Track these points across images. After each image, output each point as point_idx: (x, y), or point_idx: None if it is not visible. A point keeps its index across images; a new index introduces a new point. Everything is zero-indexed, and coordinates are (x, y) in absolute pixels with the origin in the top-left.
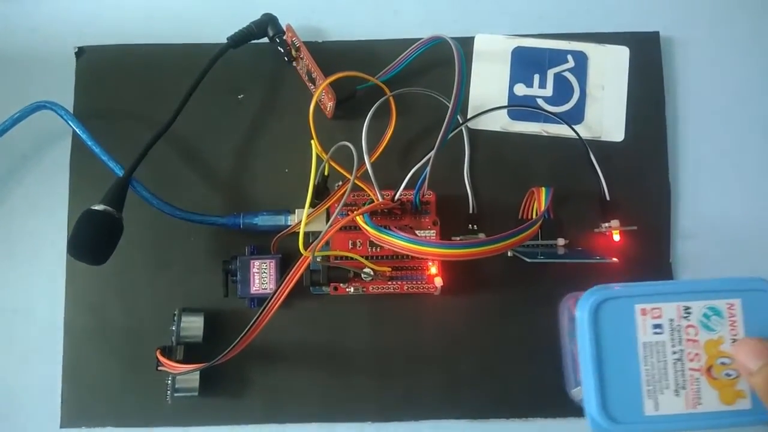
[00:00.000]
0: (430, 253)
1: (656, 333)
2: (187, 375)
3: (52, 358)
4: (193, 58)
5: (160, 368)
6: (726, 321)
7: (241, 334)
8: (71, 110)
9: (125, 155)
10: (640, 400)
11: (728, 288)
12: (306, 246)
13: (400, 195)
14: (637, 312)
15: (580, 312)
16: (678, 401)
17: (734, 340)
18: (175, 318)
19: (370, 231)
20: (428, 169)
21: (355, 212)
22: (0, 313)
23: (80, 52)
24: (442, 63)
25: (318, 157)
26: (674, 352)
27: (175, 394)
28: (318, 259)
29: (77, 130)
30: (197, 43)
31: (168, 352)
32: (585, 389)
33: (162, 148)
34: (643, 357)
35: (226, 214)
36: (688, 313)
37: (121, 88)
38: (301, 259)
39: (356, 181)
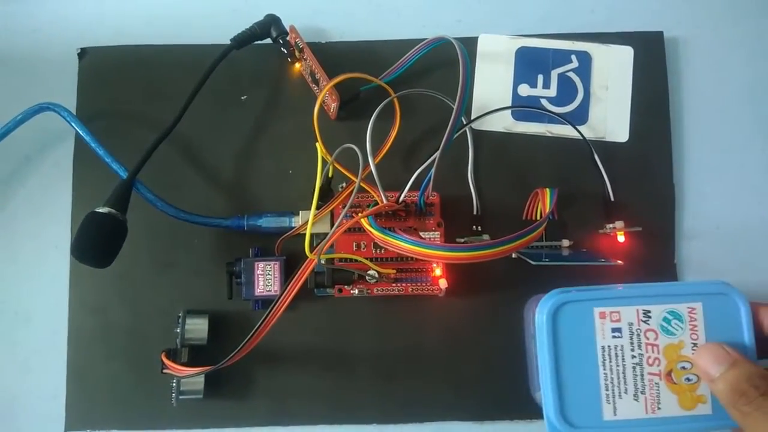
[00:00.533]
0: (435, 256)
1: (615, 337)
2: (192, 378)
3: (56, 360)
4: (196, 59)
5: (165, 371)
6: (687, 325)
7: (247, 337)
8: (74, 112)
9: (128, 157)
10: (599, 405)
11: (690, 292)
12: (311, 248)
13: (405, 197)
14: (596, 315)
15: (539, 315)
16: (637, 406)
17: (695, 345)
18: (180, 320)
19: (375, 233)
20: (433, 170)
21: (360, 214)
22: (3, 316)
23: (83, 54)
24: (446, 64)
25: (323, 159)
26: (633, 356)
27: (180, 397)
28: (322, 262)
29: (80, 132)
30: (200, 44)
31: (173, 355)
32: (543, 393)
33: (165, 149)
34: (601, 361)
35: (230, 215)
36: (648, 317)
37: (123, 89)
38: (306, 262)
39: (361, 183)
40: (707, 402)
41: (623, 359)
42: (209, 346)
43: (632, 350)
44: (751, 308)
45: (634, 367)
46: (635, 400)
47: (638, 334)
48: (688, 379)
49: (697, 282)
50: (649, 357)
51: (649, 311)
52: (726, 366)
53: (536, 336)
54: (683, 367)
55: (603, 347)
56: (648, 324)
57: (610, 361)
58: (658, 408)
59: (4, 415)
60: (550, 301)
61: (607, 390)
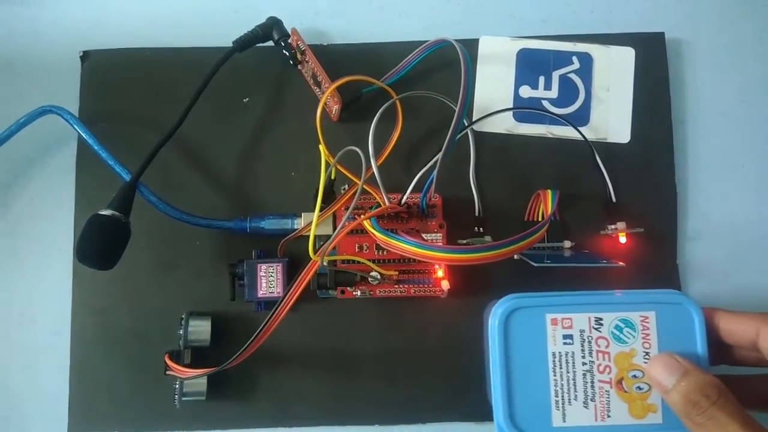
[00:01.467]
0: (438, 258)
1: (566, 343)
2: (194, 379)
3: (59, 362)
4: (199, 62)
5: (168, 373)
6: (639, 333)
7: (251, 339)
8: (76, 114)
9: (131, 159)
10: (548, 411)
11: (643, 301)
12: (314, 250)
13: (407, 198)
14: (548, 322)
15: (492, 320)
16: (587, 413)
17: (647, 353)
18: (183, 322)
19: (378, 235)
20: (435, 172)
21: (362, 216)
22: (7, 318)
23: (85, 56)
24: (447, 65)
25: (325, 161)
26: (584, 363)
27: (183, 398)
28: (325, 263)
29: (84, 135)
30: (202, 47)
31: (176, 356)
32: (494, 398)
33: (168, 151)
34: (552, 367)
35: (233, 217)
36: (600, 324)
37: (126, 91)
38: (310, 264)
39: (363, 185)
40: (658, 411)
41: (574, 366)
42: (212, 348)
43: (583, 357)
44: (706, 314)
45: (584, 374)
46: (585, 407)
47: (589, 341)
48: (639, 388)
49: (651, 291)
50: (599, 364)
51: (601, 319)
52: (678, 376)
53: (488, 341)
54: (634, 376)
55: (554, 353)
56: (600, 331)
57: (561, 368)
58: (608, 416)
59: (8, 417)
60: (503, 306)
61: (557, 396)
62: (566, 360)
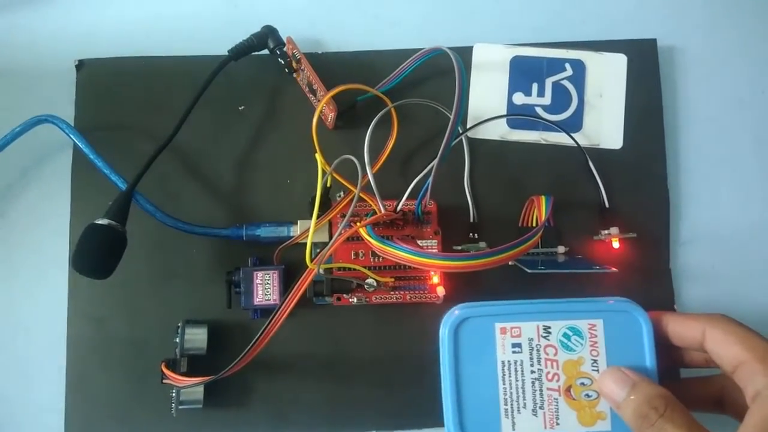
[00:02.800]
0: (433, 265)
1: (515, 352)
2: (191, 387)
3: (55, 371)
4: (194, 71)
5: (165, 381)
6: (587, 341)
7: (248, 347)
8: (72, 123)
9: (127, 168)
10: (498, 420)
11: (591, 309)
12: (311, 258)
13: (403, 205)
14: (497, 330)
15: (442, 329)
16: (536, 421)
17: (595, 361)
18: (179, 330)
19: (374, 243)
20: (430, 179)
21: (358, 224)
22: (2, 327)
23: (81, 65)
24: (441, 73)
25: (322, 169)
26: (533, 372)
27: (180, 407)
28: (321, 271)
29: (80, 144)
30: (198, 56)
31: (172, 365)
32: (444, 406)
33: (163, 160)
34: (501, 376)
35: (229, 225)
36: (548, 332)
37: (121, 100)
38: (306, 272)
39: (359, 193)
40: (607, 419)
41: (523, 374)
42: (208, 356)
43: (532, 366)
44: (655, 317)
45: (533, 383)
46: (534, 415)
47: (538, 350)
48: (588, 396)
49: (599, 299)
50: (548, 372)
51: (549, 327)
52: (627, 390)
53: (440, 350)
54: (582, 383)
55: (503, 362)
56: (548, 340)
57: (510, 376)
58: (557, 424)
59: (4, 427)
60: (453, 316)
61: (506, 405)
62: (515, 368)
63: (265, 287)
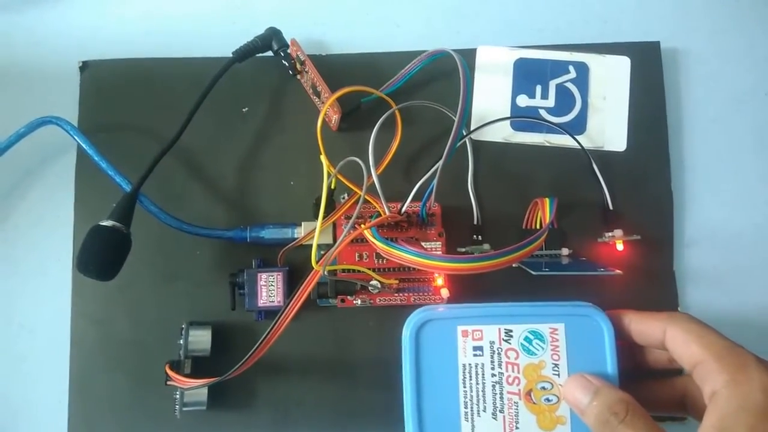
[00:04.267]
0: (438, 267)
1: (476, 355)
2: (195, 389)
3: (58, 373)
4: (198, 72)
5: (169, 383)
6: (548, 345)
7: (253, 349)
8: (75, 125)
9: (130, 169)
10: (458, 423)
11: (553, 313)
12: (317, 260)
13: (407, 207)
14: (459, 333)
15: (404, 331)
16: (495, 425)
17: (556, 365)
18: (183, 332)
19: (378, 245)
20: (435, 181)
21: (363, 226)
22: (6, 328)
23: (84, 67)
24: (445, 75)
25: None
26: (493, 375)
27: (184, 408)
28: (325, 273)
29: (84, 146)
30: (202, 57)
31: (176, 366)
32: (405, 409)
33: (167, 161)
34: (462, 379)
35: (233, 227)
36: (510, 336)
37: (125, 102)
38: (312, 274)
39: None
40: (566, 423)
41: (483, 378)
42: (212, 358)
43: (492, 369)
44: (617, 317)
45: (493, 386)
46: (494, 419)
47: (499, 353)
48: (548, 400)
49: (561, 303)
50: (509, 376)
51: (511, 330)
52: (590, 396)
53: (402, 352)
54: (543, 387)
55: (464, 365)
56: (509, 343)
57: (471, 380)
58: (516, 428)
59: (7, 427)
60: (415, 318)
61: (466, 408)
62: (476, 372)
63: (269, 289)
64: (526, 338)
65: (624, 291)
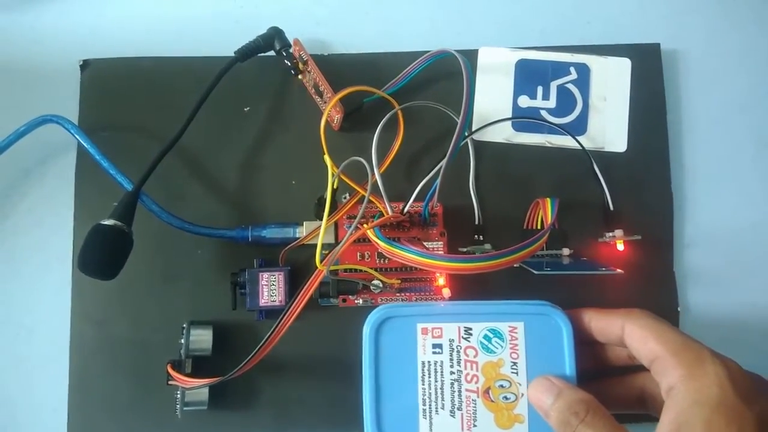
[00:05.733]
0: (442, 267)
1: (435, 353)
2: (196, 388)
3: (58, 373)
4: (200, 71)
5: (170, 383)
6: (507, 344)
7: (256, 348)
8: (76, 123)
9: (130, 168)
10: (416, 420)
11: (512, 311)
12: (321, 260)
13: (409, 207)
14: (419, 331)
15: (364, 328)
16: (453, 423)
17: (514, 364)
18: (184, 331)
19: (381, 244)
20: (438, 181)
21: (366, 226)
22: (5, 328)
23: (85, 65)
24: (447, 76)
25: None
26: (452, 373)
27: (185, 408)
28: (327, 273)
29: (85, 145)
30: (203, 56)
31: (177, 366)
32: (363, 406)
33: (168, 160)
34: (421, 376)
35: (234, 226)
36: (469, 334)
37: (126, 101)
38: (315, 273)
39: (368, 196)
40: (524, 422)
41: (442, 375)
42: (213, 357)
43: (451, 367)
44: (577, 315)
45: (452, 384)
46: (452, 416)
47: (458, 351)
48: (506, 398)
49: (521, 302)
50: (467, 374)
51: (470, 328)
52: (553, 398)
53: (362, 349)
54: (501, 386)
55: (423, 363)
56: (469, 341)
57: (430, 377)
58: (474, 425)
59: (7, 428)
60: (375, 315)
61: (424, 405)
62: (435, 369)
63: (270, 289)
64: (486, 336)
65: (624, 291)
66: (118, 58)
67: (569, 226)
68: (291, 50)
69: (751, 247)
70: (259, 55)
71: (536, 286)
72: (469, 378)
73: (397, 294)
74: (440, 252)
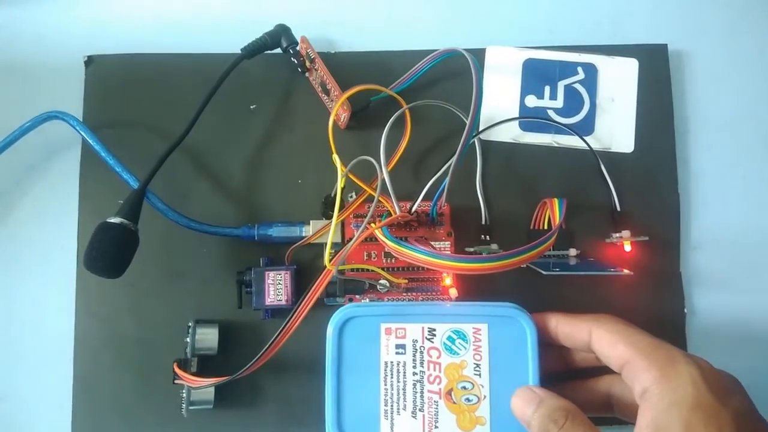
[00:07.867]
0: (450, 267)
1: (399, 353)
2: (202, 387)
3: (62, 370)
4: (205, 68)
5: (177, 381)
6: (471, 345)
7: (264, 348)
8: (80, 120)
9: (135, 166)
10: (377, 421)
11: (476, 313)
12: (329, 259)
13: (417, 207)
14: (383, 331)
15: (329, 327)
16: (415, 424)
17: (477, 365)
18: (190, 330)
19: (389, 244)
20: (447, 181)
21: (374, 225)
22: (10, 325)
23: (90, 61)
24: (453, 75)
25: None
26: (415, 374)
27: (191, 407)
28: (335, 272)
29: (91, 141)
30: (209, 53)
31: (183, 365)
32: (325, 405)
33: (174, 158)
34: (383, 377)
35: (240, 225)
36: (433, 335)
37: (131, 97)
38: (324, 273)
39: (373, 194)
40: (486, 424)
41: (405, 376)
42: (218, 356)
43: (414, 367)
44: (543, 319)
45: (414, 385)
46: (413, 417)
47: (421, 352)
48: (468, 400)
49: (485, 303)
50: (430, 375)
51: (434, 329)
52: (534, 407)
53: (326, 348)
54: (464, 387)
55: (386, 363)
56: (432, 342)
57: (392, 377)
58: (436, 427)
59: (10, 425)
60: (339, 314)
61: (386, 406)
62: (397, 369)
63: (276, 287)
64: (449, 338)
65: (631, 292)
66: (123, 54)
67: (576, 226)
68: (298, 48)
69: (757, 248)
70: (266, 52)
71: (543, 286)
72: (431, 379)
73: (404, 294)
74: (448, 252)
